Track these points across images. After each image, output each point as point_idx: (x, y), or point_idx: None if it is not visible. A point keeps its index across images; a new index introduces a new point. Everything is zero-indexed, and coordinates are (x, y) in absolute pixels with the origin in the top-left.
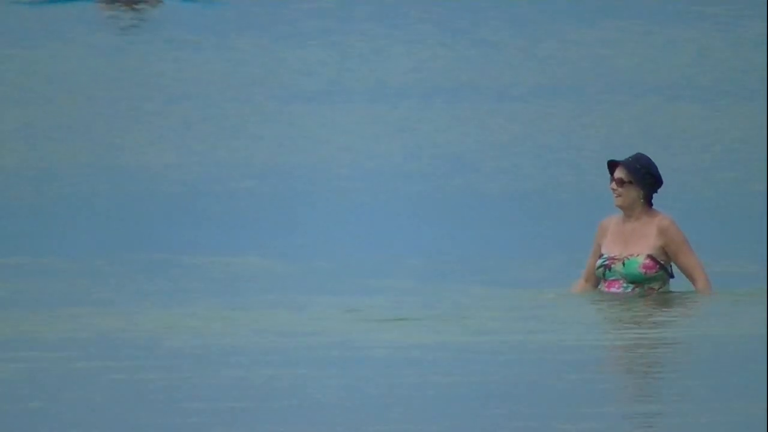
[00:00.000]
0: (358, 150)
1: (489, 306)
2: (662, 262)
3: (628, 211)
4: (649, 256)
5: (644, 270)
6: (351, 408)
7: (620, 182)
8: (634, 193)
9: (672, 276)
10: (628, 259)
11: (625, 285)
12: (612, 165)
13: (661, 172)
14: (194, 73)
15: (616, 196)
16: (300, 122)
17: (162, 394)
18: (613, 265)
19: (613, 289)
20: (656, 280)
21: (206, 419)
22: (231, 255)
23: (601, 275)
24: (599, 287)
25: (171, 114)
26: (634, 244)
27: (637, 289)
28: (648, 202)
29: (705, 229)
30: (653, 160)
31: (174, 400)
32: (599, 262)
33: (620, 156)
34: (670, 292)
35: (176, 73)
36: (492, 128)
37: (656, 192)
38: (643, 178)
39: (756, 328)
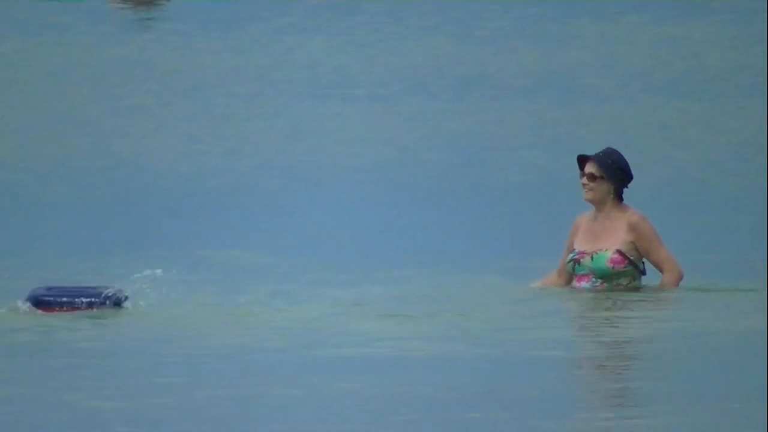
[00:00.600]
0: (364, 143)
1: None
2: (631, 257)
3: (598, 206)
4: (618, 251)
5: (612, 264)
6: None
7: (591, 177)
8: (604, 188)
9: (643, 272)
10: (597, 253)
11: (593, 279)
12: (582, 160)
13: (677, 165)
14: (198, 68)
15: (587, 191)
16: (305, 116)
17: (176, 388)
18: (582, 260)
19: (582, 284)
20: (625, 275)
21: (207, 412)
22: (231, 249)
23: (571, 270)
24: (572, 283)
25: (175, 108)
26: (603, 239)
27: (605, 284)
28: (618, 197)
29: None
30: (662, 153)
31: (184, 392)
32: (570, 256)
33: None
34: (640, 287)
35: (180, 67)
36: (500, 122)
37: (626, 187)
38: (614, 173)
39: (736, 324)
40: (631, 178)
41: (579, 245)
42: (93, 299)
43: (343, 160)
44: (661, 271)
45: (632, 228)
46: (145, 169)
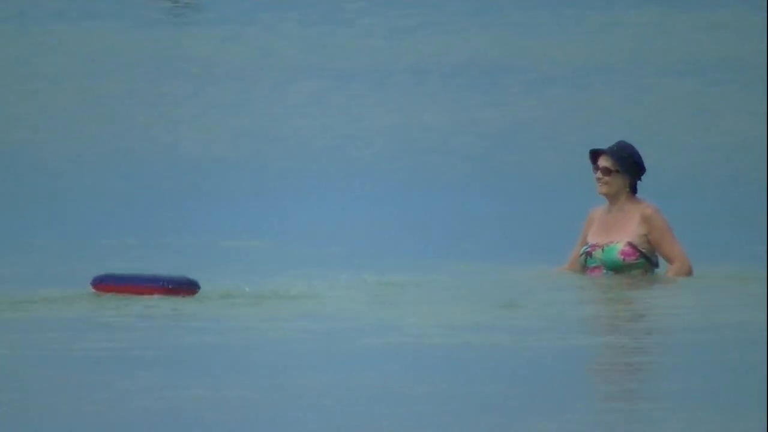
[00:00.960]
0: (392, 127)
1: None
2: (643, 250)
3: (613, 200)
4: (629, 244)
5: (623, 257)
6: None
7: (606, 171)
8: (620, 182)
9: (656, 265)
10: (608, 245)
11: (605, 272)
12: (595, 154)
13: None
14: (232, 56)
15: (602, 185)
16: (331, 101)
17: (197, 378)
18: (594, 252)
19: (594, 275)
20: (636, 267)
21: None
22: (260, 238)
23: (583, 262)
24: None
25: (209, 96)
26: (616, 232)
27: (616, 277)
28: (633, 191)
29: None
30: (684, 142)
31: (201, 380)
32: (582, 249)
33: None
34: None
35: (213, 55)
36: (524, 109)
37: (640, 180)
38: (629, 166)
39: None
40: (644, 170)
41: (592, 238)
42: (168, 284)
43: (373, 148)
44: (669, 263)
45: (645, 220)
46: (171, 154)
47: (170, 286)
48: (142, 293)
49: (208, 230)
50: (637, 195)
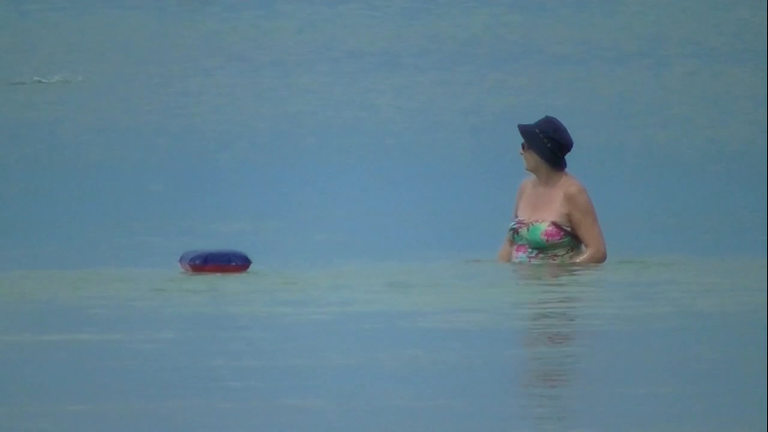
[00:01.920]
0: (412, 111)
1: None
2: (568, 228)
3: (537, 175)
4: (553, 223)
5: (546, 237)
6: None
7: (523, 146)
8: (534, 158)
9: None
10: (533, 225)
11: (529, 250)
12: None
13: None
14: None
15: (524, 160)
16: (348, 82)
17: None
18: (520, 230)
19: (519, 254)
20: (561, 246)
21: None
22: (278, 220)
23: (511, 238)
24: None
25: (246, 78)
26: (541, 210)
27: (540, 255)
28: (553, 167)
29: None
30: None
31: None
32: (510, 224)
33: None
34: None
35: (208, 39)
36: (542, 91)
37: (561, 156)
38: (539, 142)
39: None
40: (565, 147)
41: (521, 213)
42: (243, 261)
43: (390, 131)
44: (587, 246)
45: (568, 199)
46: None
47: (240, 263)
48: (224, 271)
49: (212, 215)
50: (566, 171)
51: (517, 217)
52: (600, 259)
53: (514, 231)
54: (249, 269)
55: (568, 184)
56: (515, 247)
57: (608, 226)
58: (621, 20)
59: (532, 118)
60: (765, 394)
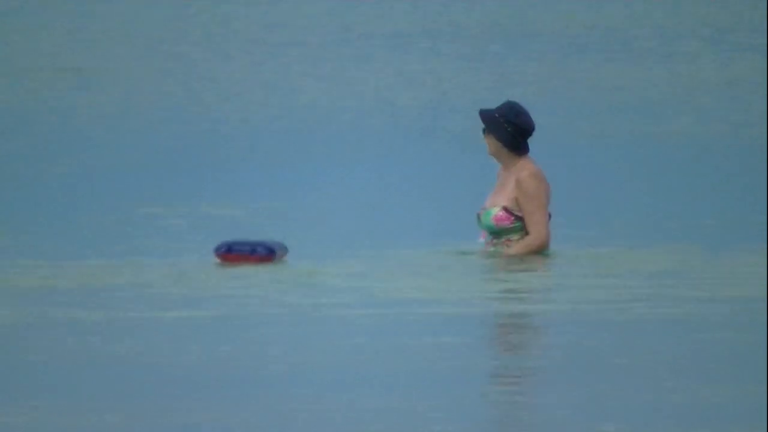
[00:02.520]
0: (423, 89)
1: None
2: (519, 213)
3: (498, 160)
4: (504, 208)
5: (496, 222)
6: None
7: (484, 131)
8: (495, 142)
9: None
10: (486, 210)
11: (487, 236)
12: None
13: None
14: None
15: (487, 145)
16: (353, 65)
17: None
18: (480, 215)
19: (481, 239)
20: (513, 231)
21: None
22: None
23: (477, 224)
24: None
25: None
26: (498, 195)
27: (494, 240)
28: (514, 151)
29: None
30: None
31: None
32: (478, 211)
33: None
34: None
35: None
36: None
37: (523, 141)
38: (498, 127)
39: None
40: (525, 131)
41: (487, 199)
42: (267, 252)
43: (396, 114)
44: (528, 232)
45: (518, 183)
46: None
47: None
48: (262, 261)
49: (218, 200)
50: (528, 156)
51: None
52: (539, 247)
53: (477, 216)
54: (277, 259)
55: (521, 168)
56: (481, 233)
57: (607, 216)
58: (631, 9)
59: (536, 108)
60: (765, 394)
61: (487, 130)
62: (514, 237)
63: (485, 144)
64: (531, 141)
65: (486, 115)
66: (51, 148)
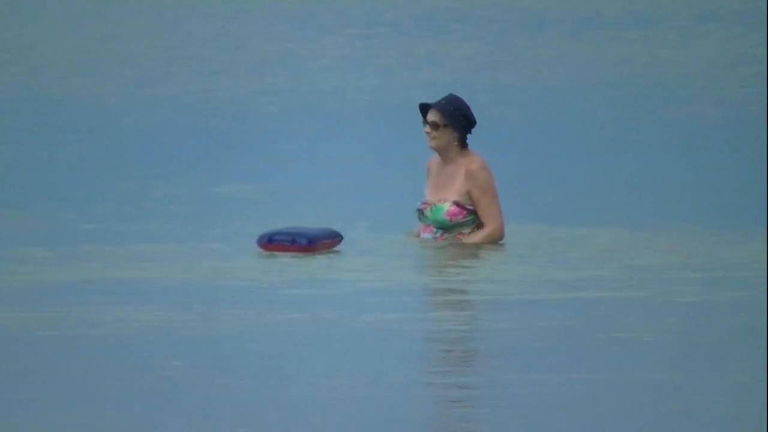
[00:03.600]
0: (428, 73)
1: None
2: (470, 207)
3: (443, 154)
4: (455, 203)
5: (449, 217)
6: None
7: (434, 125)
8: (448, 136)
9: None
10: (436, 205)
11: (434, 230)
12: (424, 108)
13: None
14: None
15: (431, 139)
16: (360, 52)
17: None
18: (425, 211)
19: (425, 235)
20: (465, 225)
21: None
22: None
23: (418, 219)
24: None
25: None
26: (445, 189)
27: (445, 235)
28: (462, 144)
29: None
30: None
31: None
32: (417, 205)
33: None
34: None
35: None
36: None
37: (470, 133)
38: (457, 120)
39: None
40: (474, 123)
41: (427, 194)
42: (308, 242)
43: (403, 87)
44: (484, 224)
45: (468, 176)
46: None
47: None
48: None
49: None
50: (469, 149)
51: (423, 197)
52: (497, 237)
53: (420, 212)
54: (321, 248)
55: (469, 161)
56: (422, 227)
57: (607, 197)
58: None
59: (537, 95)
60: (765, 392)
61: (443, 124)
62: (465, 230)
63: (425, 137)
64: (542, 125)
65: (443, 109)
66: (57, 135)
